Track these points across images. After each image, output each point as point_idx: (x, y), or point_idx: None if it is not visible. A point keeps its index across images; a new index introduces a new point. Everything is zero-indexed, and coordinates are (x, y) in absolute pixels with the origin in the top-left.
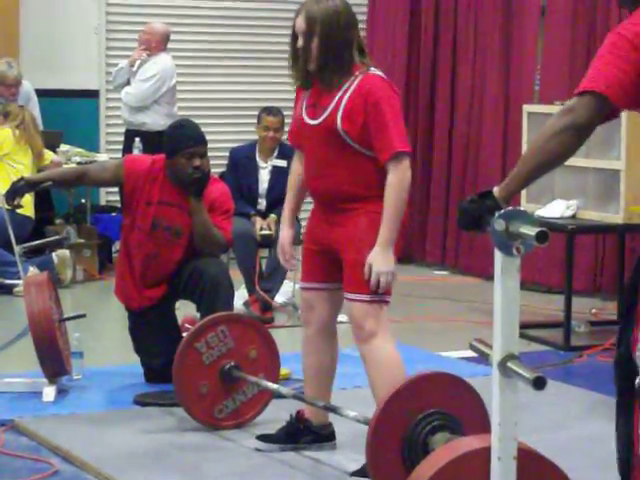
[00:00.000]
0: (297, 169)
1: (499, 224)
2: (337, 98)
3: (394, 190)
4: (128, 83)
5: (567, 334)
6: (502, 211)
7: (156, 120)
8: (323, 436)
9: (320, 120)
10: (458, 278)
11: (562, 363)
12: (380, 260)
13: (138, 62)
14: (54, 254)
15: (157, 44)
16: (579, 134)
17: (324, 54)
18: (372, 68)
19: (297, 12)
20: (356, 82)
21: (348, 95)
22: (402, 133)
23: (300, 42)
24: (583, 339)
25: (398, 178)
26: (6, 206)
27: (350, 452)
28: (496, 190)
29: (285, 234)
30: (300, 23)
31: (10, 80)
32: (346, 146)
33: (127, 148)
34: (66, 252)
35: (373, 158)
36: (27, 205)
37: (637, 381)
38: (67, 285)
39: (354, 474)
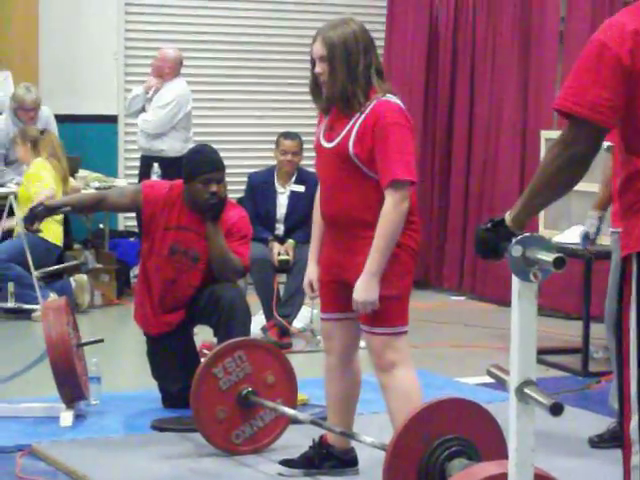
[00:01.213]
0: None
1: (516, 250)
2: (352, 122)
3: (387, 220)
4: (143, 110)
5: (585, 360)
6: (519, 237)
7: (173, 146)
8: (345, 462)
9: (334, 144)
10: (475, 304)
11: (580, 389)
12: (361, 290)
13: (153, 89)
14: (72, 279)
15: (170, 70)
16: (583, 166)
17: (343, 79)
18: (389, 95)
19: (314, 38)
20: (370, 106)
21: (362, 119)
22: (406, 161)
23: (318, 68)
24: (601, 365)
25: (392, 207)
26: (25, 230)
27: (371, 478)
28: (507, 219)
29: (310, 270)
30: (317, 49)
31: (29, 104)
32: (357, 170)
33: (144, 174)
34: (84, 277)
35: None
36: (56, 234)
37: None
38: (85, 310)
39: None
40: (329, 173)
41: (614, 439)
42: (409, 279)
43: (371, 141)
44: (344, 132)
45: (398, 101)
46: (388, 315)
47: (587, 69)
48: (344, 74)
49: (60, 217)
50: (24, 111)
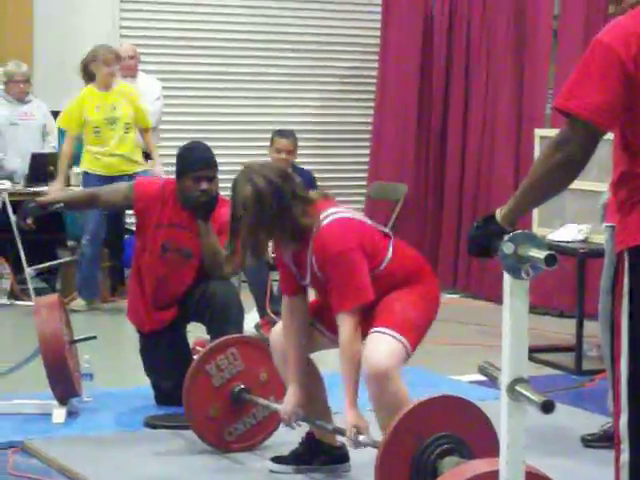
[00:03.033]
0: (293, 340)
1: (508, 247)
2: (308, 258)
3: (343, 354)
4: None
5: (578, 358)
6: (511, 234)
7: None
8: (336, 457)
9: (307, 281)
10: (469, 301)
11: (573, 387)
12: (347, 418)
13: None
14: None
15: (137, 64)
16: (576, 168)
17: (267, 231)
18: (323, 216)
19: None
20: (313, 239)
21: (312, 256)
22: (352, 289)
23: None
24: (595, 363)
25: (348, 341)
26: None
27: (363, 476)
28: (498, 215)
29: (291, 397)
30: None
31: (19, 76)
32: None
33: None
34: None
35: (380, 275)
36: None
37: (622, 458)
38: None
39: None
40: (320, 289)
41: (607, 439)
42: (428, 325)
43: (325, 268)
44: (308, 269)
45: (336, 217)
46: (409, 328)
47: (590, 71)
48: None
49: None
50: (14, 83)
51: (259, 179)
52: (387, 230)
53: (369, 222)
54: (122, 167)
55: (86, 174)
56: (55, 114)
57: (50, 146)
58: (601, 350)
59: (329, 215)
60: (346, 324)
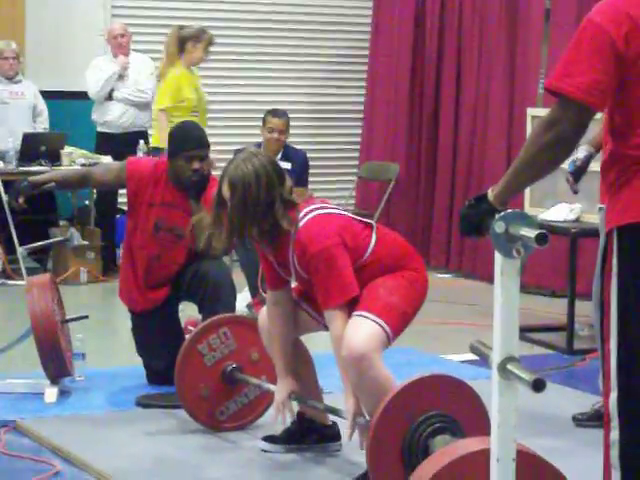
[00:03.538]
0: (278, 330)
1: (499, 226)
2: (290, 258)
3: (336, 351)
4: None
5: (570, 338)
6: (502, 213)
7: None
8: (328, 436)
9: (294, 279)
10: (462, 281)
11: (565, 367)
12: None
13: (120, 66)
14: None
15: (128, 42)
16: (568, 147)
17: (247, 218)
18: (300, 216)
19: (220, 180)
20: (293, 239)
21: (293, 256)
22: (336, 285)
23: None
24: (586, 343)
25: (336, 338)
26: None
27: (354, 454)
28: (490, 195)
29: (283, 386)
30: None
31: (8, 52)
32: None
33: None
34: None
35: (365, 264)
36: None
37: (611, 435)
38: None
39: (359, 478)
40: (307, 286)
41: (598, 418)
42: (414, 310)
43: (308, 268)
44: (292, 268)
45: (315, 213)
46: (391, 312)
47: (581, 50)
48: (245, 214)
49: None
50: (4, 60)
51: (259, 164)
52: (369, 220)
53: (348, 214)
54: None
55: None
56: (45, 94)
57: (41, 126)
58: (593, 329)
59: (306, 214)
60: (335, 320)
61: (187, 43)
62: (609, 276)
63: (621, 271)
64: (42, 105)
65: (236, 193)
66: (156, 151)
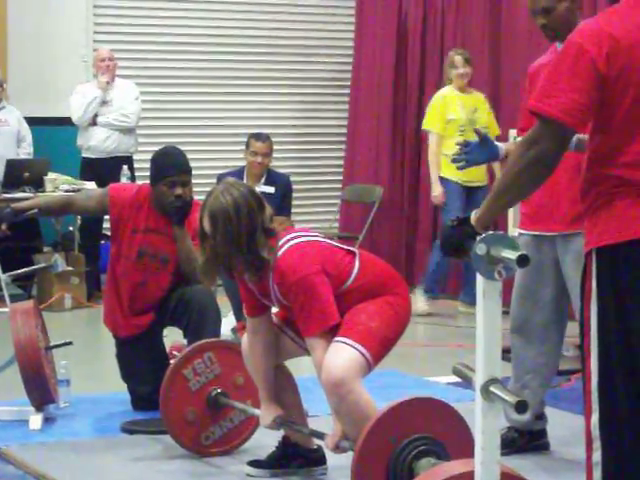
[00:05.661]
0: (259, 357)
1: (480, 249)
2: (271, 288)
3: (320, 378)
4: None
5: None
6: (483, 236)
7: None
8: (313, 460)
9: (278, 309)
10: (446, 302)
11: (550, 387)
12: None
13: (100, 91)
14: None
15: (114, 66)
16: (548, 166)
17: (230, 250)
18: (279, 245)
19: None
20: (273, 267)
21: (273, 284)
22: (316, 314)
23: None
24: (571, 363)
25: (318, 366)
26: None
27: (339, 477)
28: (473, 218)
29: (268, 410)
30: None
31: None
32: None
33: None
34: None
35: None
36: None
37: (594, 457)
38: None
39: None
40: (290, 313)
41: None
42: (396, 335)
43: (288, 296)
44: (274, 298)
45: (293, 243)
46: (371, 338)
47: (562, 71)
48: (230, 245)
49: None
50: None
51: (238, 194)
52: (351, 248)
53: (329, 241)
54: (480, 176)
55: (444, 181)
56: (29, 120)
57: (24, 152)
58: (578, 350)
59: (286, 242)
60: (316, 349)
61: (445, 70)
62: (588, 297)
63: (600, 292)
64: (26, 130)
65: (217, 225)
66: None
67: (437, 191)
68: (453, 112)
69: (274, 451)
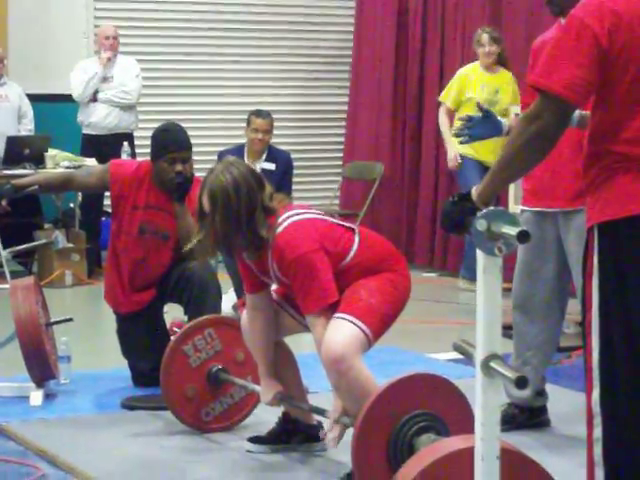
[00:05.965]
0: (259, 333)
1: (481, 224)
2: (269, 266)
3: (321, 355)
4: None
5: None
6: (484, 211)
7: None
8: (313, 436)
9: (277, 286)
10: (447, 280)
11: (551, 364)
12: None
13: (101, 67)
14: None
15: (117, 44)
16: (549, 141)
17: (230, 229)
18: (277, 223)
19: (200, 192)
20: (272, 246)
21: (272, 262)
22: (315, 291)
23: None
24: (572, 340)
25: (319, 343)
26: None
27: (339, 453)
28: (474, 194)
29: (269, 386)
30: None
31: None
32: None
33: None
34: None
35: (347, 267)
36: None
37: (595, 433)
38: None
39: (344, 478)
40: (290, 291)
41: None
42: (395, 311)
43: (287, 274)
44: (272, 276)
45: (291, 220)
46: (371, 314)
47: (564, 46)
48: (229, 223)
49: None
50: None
51: (238, 173)
52: (350, 225)
53: (328, 218)
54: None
55: (463, 158)
56: (30, 97)
57: (26, 129)
58: (579, 327)
59: (283, 221)
60: (316, 325)
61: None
62: (590, 273)
63: (602, 268)
64: (27, 107)
65: (217, 204)
66: None
67: (451, 154)
68: (472, 91)
69: (274, 427)
